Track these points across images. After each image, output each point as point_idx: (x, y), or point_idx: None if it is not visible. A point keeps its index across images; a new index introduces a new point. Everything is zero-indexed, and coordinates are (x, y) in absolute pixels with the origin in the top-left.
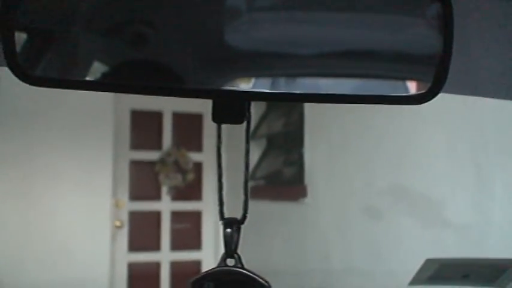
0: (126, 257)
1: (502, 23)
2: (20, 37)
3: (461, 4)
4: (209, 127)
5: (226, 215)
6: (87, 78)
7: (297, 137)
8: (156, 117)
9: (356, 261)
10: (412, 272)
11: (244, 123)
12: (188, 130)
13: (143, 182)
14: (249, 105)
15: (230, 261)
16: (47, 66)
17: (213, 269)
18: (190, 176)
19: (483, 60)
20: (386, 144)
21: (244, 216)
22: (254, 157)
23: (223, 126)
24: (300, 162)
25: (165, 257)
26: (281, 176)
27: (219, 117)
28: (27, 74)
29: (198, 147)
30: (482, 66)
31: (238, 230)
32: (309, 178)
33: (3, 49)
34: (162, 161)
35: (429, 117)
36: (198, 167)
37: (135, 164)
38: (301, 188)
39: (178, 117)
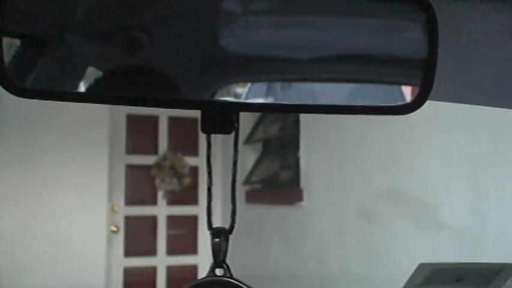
0: (122, 262)
1: (495, 31)
2: (8, 46)
3: (454, 12)
4: None
5: (222, 218)
6: (78, 90)
7: (293, 140)
8: (152, 121)
9: (352, 264)
10: (408, 276)
11: (233, 133)
12: (184, 134)
13: (139, 186)
14: (238, 115)
15: (219, 271)
16: (37, 77)
17: (201, 279)
18: (186, 180)
19: (476, 68)
20: (382, 148)
21: (232, 226)
22: (250, 161)
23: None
24: (296, 166)
25: (161, 261)
26: (277, 179)
27: (207, 128)
28: (16, 86)
29: (194, 152)
30: (474, 74)
31: (227, 239)
32: (305, 182)
33: None
34: (158, 166)
35: (424, 120)
36: (194, 171)
37: (131, 169)
38: (297, 191)
39: (174, 121)
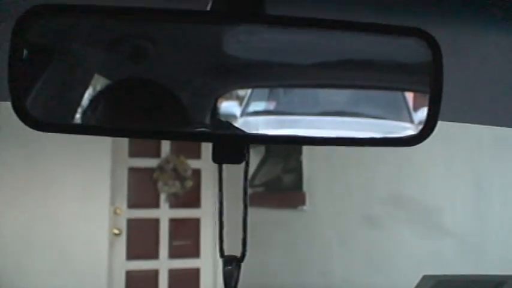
0: (124, 265)
1: (493, 53)
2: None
3: (454, 37)
4: None
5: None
6: (86, 123)
7: None
8: None
9: (355, 271)
10: (411, 285)
11: (243, 164)
12: None
13: (141, 189)
14: (248, 146)
15: None
16: (50, 111)
17: None
18: (189, 183)
19: (479, 89)
20: (386, 153)
21: (243, 254)
22: (252, 164)
23: None
24: (298, 170)
25: (164, 264)
26: (280, 183)
27: (219, 158)
28: (31, 119)
29: (197, 155)
30: (478, 95)
31: (238, 267)
32: (307, 186)
33: (11, 94)
34: (160, 168)
35: None
36: (196, 174)
37: (133, 172)
38: (300, 195)
39: None
